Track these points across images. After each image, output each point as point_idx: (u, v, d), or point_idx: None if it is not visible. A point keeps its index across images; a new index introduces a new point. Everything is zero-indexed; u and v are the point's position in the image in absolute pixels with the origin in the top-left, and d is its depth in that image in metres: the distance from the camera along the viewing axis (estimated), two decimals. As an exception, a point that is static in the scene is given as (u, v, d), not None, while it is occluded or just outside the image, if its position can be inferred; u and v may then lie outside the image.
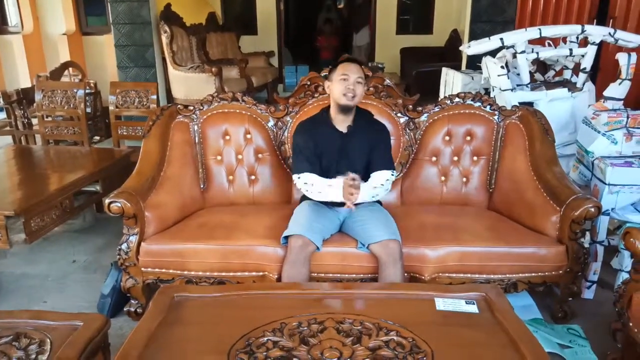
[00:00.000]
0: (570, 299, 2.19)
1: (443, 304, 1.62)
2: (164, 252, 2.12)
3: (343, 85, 2.07)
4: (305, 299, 1.68)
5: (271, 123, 2.64)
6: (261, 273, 2.11)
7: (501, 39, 2.73)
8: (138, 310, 2.21)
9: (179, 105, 2.64)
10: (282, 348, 1.39)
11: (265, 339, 1.43)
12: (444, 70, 3.82)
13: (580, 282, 2.20)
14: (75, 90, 3.76)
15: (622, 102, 2.45)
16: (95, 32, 6.73)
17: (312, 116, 2.32)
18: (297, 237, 1.97)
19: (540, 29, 2.68)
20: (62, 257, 2.89)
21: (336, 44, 9.02)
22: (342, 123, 2.18)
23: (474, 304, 1.62)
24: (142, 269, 2.14)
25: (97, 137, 4.38)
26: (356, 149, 2.16)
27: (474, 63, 4.06)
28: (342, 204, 2.17)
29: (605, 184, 2.26)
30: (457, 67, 4.26)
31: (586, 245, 2.23)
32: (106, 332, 1.57)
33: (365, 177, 2.18)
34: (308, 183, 2.13)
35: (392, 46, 6.79)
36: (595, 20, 4.59)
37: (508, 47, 2.85)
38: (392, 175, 2.20)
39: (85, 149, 3.60)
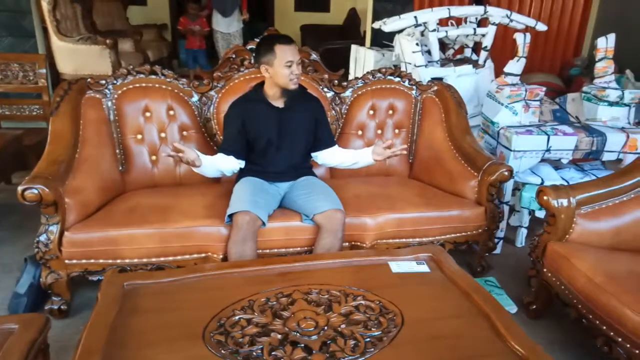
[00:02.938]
0: (487, 254, 2.46)
1: (397, 266, 1.72)
2: (92, 241, 1.92)
3: (288, 71, 2.02)
4: (266, 274, 1.66)
5: (195, 98, 2.50)
6: (203, 254, 2.03)
7: (415, 17, 2.89)
8: (62, 307, 1.99)
9: (88, 80, 2.37)
10: (257, 324, 1.37)
11: (237, 317, 1.40)
12: (354, 47, 3.93)
13: (494, 239, 2.46)
14: None
15: (519, 77, 2.76)
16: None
17: (244, 94, 2.23)
18: (243, 214, 1.92)
19: (449, 9, 2.89)
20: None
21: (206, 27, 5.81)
22: (278, 99, 2.14)
23: (424, 264, 1.74)
24: (66, 261, 1.93)
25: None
26: (296, 123, 2.16)
27: (379, 41, 4.24)
28: (282, 179, 2.18)
29: (511, 150, 2.55)
30: (360, 45, 4.40)
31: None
32: (47, 333, 1.40)
33: (305, 150, 2.22)
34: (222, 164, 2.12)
35: (292, 24, 6.77)
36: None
37: (419, 25, 3.02)
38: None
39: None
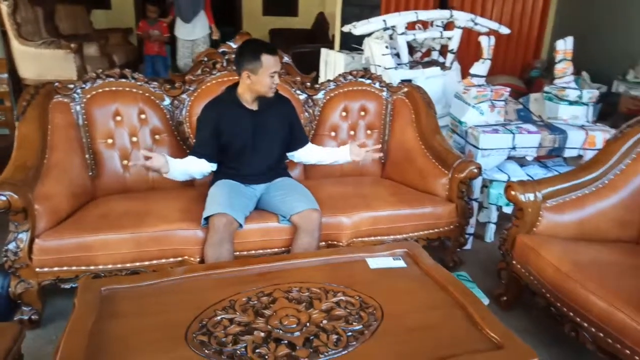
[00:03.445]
0: (459, 249, 2.53)
1: (374, 263, 1.75)
2: (64, 248, 1.88)
3: (271, 81, 2.04)
4: (245, 275, 1.67)
5: (167, 102, 2.49)
6: (180, 258, 2.02)
7: (384, 20, 2.95)
8: (33, 317, 1.94)
9: (56, 84, 2.32)
10: (239, 324, 1.38)
11: (219, 317, 1.40)
12: (324, 51, 3.98)
13: (465, 235, 2.54)
14: None
15: (484, 78, 2.86)
16: None
17: (217, 96, 2.22)
18: (220, 216, 1.92)
19: (417, 13, 2.97)
20: None
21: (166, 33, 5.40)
22: (252, 102, 2.15)
23: (400, 259, 1.79)
24: (37, 269, 1.88)
25: None
26: (271, 126, 2.18)
27: (348, 44, 4.30)
28: (258, 181, 2.19)
29: (479, 148, 2.64)
30: (329, 48, 4.46)
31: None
32: (21, 343, 1.37)
33: (281, 151, 2.25)
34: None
35: (260, 27, 6.78)
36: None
37: (387, 29, 3.09)
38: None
39: None
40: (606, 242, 2.00)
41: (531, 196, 2.00)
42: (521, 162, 2.88)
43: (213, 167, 2.17)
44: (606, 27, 4.99)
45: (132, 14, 6.75)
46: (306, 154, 2.34)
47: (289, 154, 2.33)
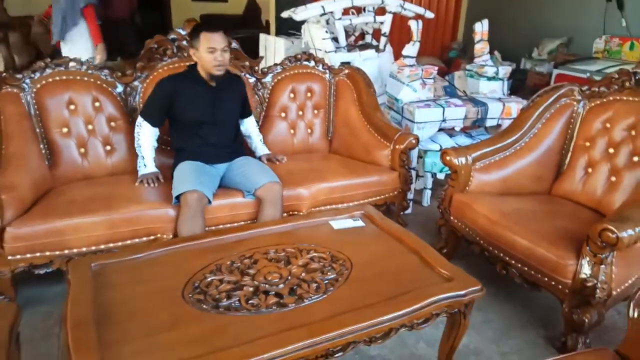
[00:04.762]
0: (402, 213, 2.83)
1: (337, 224, 1.98)
2: (37, 234, 1.92)
3: (211, 57, 2.19)
4: (223, 243, 1.81)
5: (119, 89, 2.53)
6: (152, 236, 2.12)
7: (322, 6, 3.15)
8: (7, 305, 1.96)
9: (4, 74, 2.29)
10: (229, 282, 1.55)
11: (210, 279, 1.56)
12: (262, 36, 4.10)
13: (407, 200, 2.84)
14: None
15: (415, 59, 3.16)
16: None
17: (178, 73, 2.36)
18: (191, 193, 2.05)
19: (351, -1, 3.20)
20: None
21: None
22: (210, 80, 2.31)
23: (359, 220, 2.03)
24: (9, 257, 1.91)
25: None
26: (228, 100, 2.36)
27: (284, 30, 4.45)
28: (219, 160, 2.35)
29: (414, 122, 2.94)
30: (263, 34, 4.57)
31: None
32: (20, 321, 1.45)
33: (236, 128, 2.49)
34: (141, 137, 2.31)
35: (190, 14, 6.67)
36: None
37: (325, 14, 3.29)
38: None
39: None
40: (524, 194, 2.38)
41: (463, 160, 2.32)
42: (450, 132, 3.23)
43: (156, 132, 2.35)
44: (513, 11, 5.55)
45: None
46: (245, 127, 2.61)
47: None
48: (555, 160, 2.46)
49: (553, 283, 1.87)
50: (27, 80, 2.33)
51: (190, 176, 2.14)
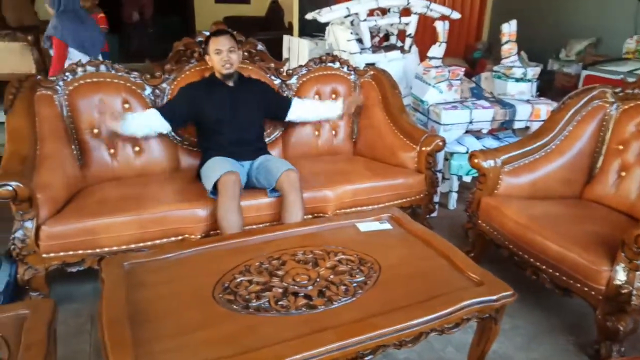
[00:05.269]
0: (428, 216, 2.81)
1: (364, 227, 1.97)
2: (70, 233, 1.96)
3: (219, 58, 2.37)
4: (251, 244, 1.82)
5: (148, 91, 2.57)
6: (180, 237, 2.15)
7: (347, 8, 3.15)
8: (40, 302, 2.01)
9: (38, 77, 2.35)
10: (258, 283, 1.56)
11: (239, 279, 1.57)
12: (286, 38, 4.12)
13: (433, 203, 2.81)
14: None
15: (441, 60, 3.13)
16: None
17: (198, 80, 2.53)
18: (228, 174, 2.11)
19: (377, 0, 3.18)
20: None
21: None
22: (226, 80, 2.44)
23: (386, 222, 2.02)
24: (44, 255, 1.96)
25: None
26: (246, 99, 2.44)
27: (307, 31, 4.46)
28: (243, 157, 2.40)
29: (441, 124, 2.91)
30: (286, 35, 4.58)
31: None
32: (56, 316, 1.48)
33: (259, 126, 2.56)
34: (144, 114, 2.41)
35: (213, 16, 6.76)
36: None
37: (349, 16, 3.29)
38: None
39: None
40: (554, 198, 2.33)
41: (492, 162, 2.29)
42: (477, 135, 3.19)
43: (168, 127, 2.43)
44: (540, 10, 5.45)
45: (79, 3, 6.49)
46: (297, 110, 2.68)
47: (286, 120, 2.70)
48: (586, 164, 2.41)
49: (586, 289, 1.83)
50: (60, 83, 2.39)
51: (222, 164, 2.22)
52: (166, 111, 2.40)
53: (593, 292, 1.80)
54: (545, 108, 3.03)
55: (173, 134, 2.58)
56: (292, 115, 2.68)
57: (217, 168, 2.18)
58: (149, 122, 2.38)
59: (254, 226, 2.27)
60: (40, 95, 2.32)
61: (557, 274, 1.93)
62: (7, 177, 1.82)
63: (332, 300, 1.48)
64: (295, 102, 2.70)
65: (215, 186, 2.12)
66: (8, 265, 2.00)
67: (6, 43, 3.89)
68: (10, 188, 1.81)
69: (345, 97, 2.81)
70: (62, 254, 1.98)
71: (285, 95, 2.80)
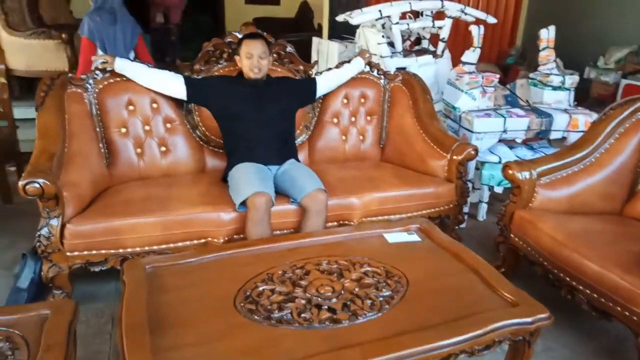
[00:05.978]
0: (457, 227, 2.71)
1: (391, 237, 1.90)
2: (95, 232, 1.96)
3: (249, 62, 2.35)
4: (275, 251, 1.78)
5: (177, 91, 2.55)
6: (203, 240, 2.12)
7: (379, 10, 3.08)
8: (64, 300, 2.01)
9: (70, 75, 2.36)
10: (280, 293, 1.51)
11: (261, 288, 1.53)
12: (316, 40, 4.08)
13: (463, 213, 2.72)
14: None
15: (475, 66, 3.03)
16: None
17: (229, 75, 2.56)
18: (260, 195, 2.04)
19: (410, 3, 3.11)
20: None
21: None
22: (253, 83, 2.41)
23: (414, 234, 1.95)
24: (68, 253, 1.95)
25: None
26: (272, 98, 2.42)
27: (337, 34, 4.41)
28: (270, 161, 2.34)
29: (473, 132, 2.82)
30: (315, 37, 4.54)
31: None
32: (77, 318, 1.46)
33: (288, 126, 2.53)
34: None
35: (243, 17, 6.77)
36: None
37: (381, 18, 3.22)
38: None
39: None
40: (593, 214, 2.21)
41: (527, 174, 2.19)
42: (510, 144, 3.08)
43: (183, 94, 2.44)
44: (577, 16, 5.26)
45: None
46: (323, 84, 2.71)
47: (317, 95, 2.72)
48: (628, 179, 2.28)
49: (626, 313, 1.71)
50: (91, 81, 2.39)
51: (252, 177, 2.14)
52: (190, 81, 2.46)
53: (635, 317, 1.68)
54: (583, 118, 2.90)
55: (197, 127, 2.60)
56: (321, 90, 2.71)
57: (246, 180, 2.13)
58: (162, 78, 2.43)
59: (278, 231, 2.23)
60: (71, 93, 2.33)
61: (595, 295, 1.82)
62: (35, 174, 1.83)
63: (357, 315, 1.42)
64: (319, 79, 2.72)
65: (244, 201, 2.07)
66: (33, 263, 2.00)
67: (42, 41, 3.97)
68: (37, 185, 1.81)
69: (361, 55, 2.86)
70: (85, 252, 1.98)
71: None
